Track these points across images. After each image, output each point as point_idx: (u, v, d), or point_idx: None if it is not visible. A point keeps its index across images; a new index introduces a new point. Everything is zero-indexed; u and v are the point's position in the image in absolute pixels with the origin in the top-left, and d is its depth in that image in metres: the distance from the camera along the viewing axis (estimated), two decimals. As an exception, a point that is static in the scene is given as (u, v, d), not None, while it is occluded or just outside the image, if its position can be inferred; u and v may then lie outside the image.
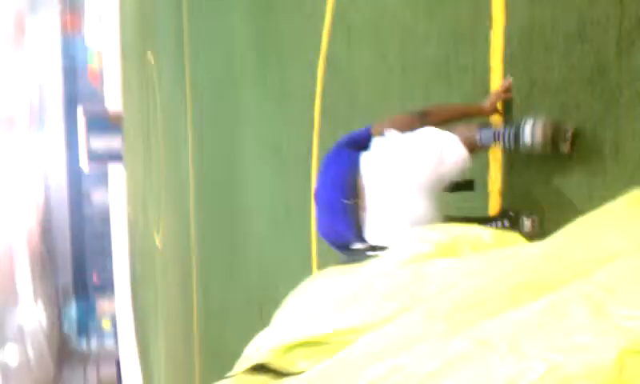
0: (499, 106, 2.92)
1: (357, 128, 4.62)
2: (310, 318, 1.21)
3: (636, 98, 2.21)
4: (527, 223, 2.72)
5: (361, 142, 2.74)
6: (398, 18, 3.96)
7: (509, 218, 2.81)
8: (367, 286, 1.21)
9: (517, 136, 2.46)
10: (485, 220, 2.88)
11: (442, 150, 2.54)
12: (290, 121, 6.20)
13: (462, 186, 2.90)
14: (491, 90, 3.00)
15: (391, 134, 2.65)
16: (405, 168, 2.52)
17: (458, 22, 3.28)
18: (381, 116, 4.22)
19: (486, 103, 2.90)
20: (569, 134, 2.44)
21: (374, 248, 2.16)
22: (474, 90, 3.14)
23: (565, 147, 2.44)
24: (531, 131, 2.40)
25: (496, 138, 2.55)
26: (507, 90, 2.87)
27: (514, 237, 1.35)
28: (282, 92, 6.47)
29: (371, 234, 2.60)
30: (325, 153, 5.26)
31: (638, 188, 1.18)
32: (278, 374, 1.17)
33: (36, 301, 28.93)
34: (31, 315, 27.94)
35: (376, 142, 2.65)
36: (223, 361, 9.75)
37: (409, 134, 2.62)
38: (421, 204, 2.52)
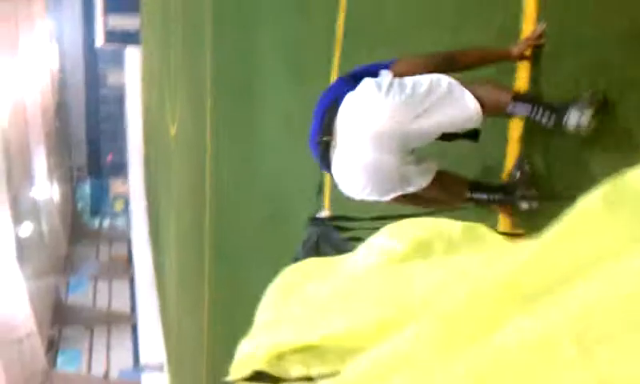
0: (528, 52, 2.86)
1: (380, 53, 4.56)
2: (296, 322, 1.22)
3: (669, 68, 2.16)
4: (524, 206, 2.75)
5: (374, 76, 2.72)
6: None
7: (508, 193, 2.84)
8: (348, 290, 1.21)
9: (558, 123, 2.41)
10: (487, 188, 2.91)
11: (437, 104, 2.53)
12: (313, 33, 6.09)
13: (465, 135, 2.89)
14: (523, 33, 2.93)
15: (383, 76, 2.63)
16: (372, 118, 2.53)
17: (494, -43, 3.17)
18: (406, 44, 4.16)
19: (515, 49, 2.83)
20: (602, 106, 2.38)
21: (337, 218, 2.19)
22: (505, 30, 3.07)
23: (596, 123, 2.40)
24: (577, 122, 2.34)
25: (532, 116, 2.50)
26: (539, 36, 2.79)
27: (483, 231, 1.33)
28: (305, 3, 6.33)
29: (336, 175, 2.68)
30: (344, 69, 5.21)
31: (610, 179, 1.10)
32: (275, 380, 1.20)
33: (50, 178, 29.35)
34: (45, 192, 28.41)
35: (363, 83, 2.63)
36: (231, 243, 9.98)
37: (407, 80, 2.60)
38: (382, 158, 2.56)
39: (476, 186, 2.92)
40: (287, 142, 6.88)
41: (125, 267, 33.82)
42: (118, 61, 37.16)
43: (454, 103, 2.56)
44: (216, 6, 10.91)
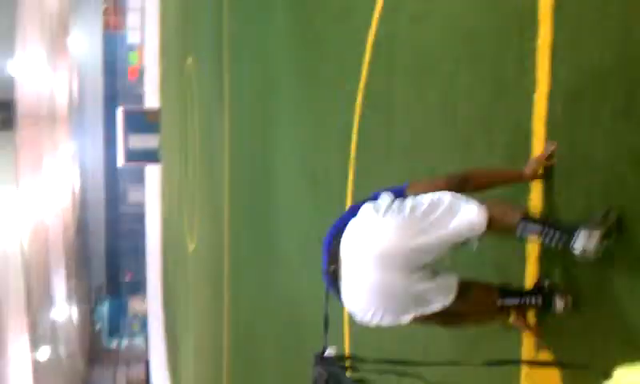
0: (540, 171, 2.85)
1: (392, 169, 4.59)
2: None
3: (685, 188, 2.13)
4: (560, 303, 2.64)
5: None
6: (440, 63, 3.90)
7: (543, 294, 2.74)
8: None
9: (566, 243, 2.38)
10: (518, 293, 2.82)
11: (439, 218, 2.53)
12: (327, 149, 6.18)
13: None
14: (533, 152, 2.93)
15: (382, 199, 2.64)
16: (372, 239, 2.54)
17: (502, 79, 3.22)
18: (418, 161, 4.19)
19: (527, 169, 2.82)
20: (614, 226, 2.34)
21: (345, 358, 2.14)
22: (515, 150, 3.07)
23: (609, 243, 2.35)
24: (584, 245, 2.31)
25: (541, 236, 2.47)
26: (550, 156, 2.79)
27: None
28: (319, 119, 6.45)
29: (346, 303, 2.65)
30: (360, 186, 5.24)
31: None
32: None
33: (69, 299, 29.33)
34: (64, 313, 28.33)
35: (363, 208, 2.64)
36: (251, 367, 9.77)
37: (408, 200, 2.61)
38: (386, 276, 2.51)
39: (506, 292, 2.83)
40: (304, 265, 6.85)
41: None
42: (138, 179, 37.85)
43: (456, 216, 2.56)
44: (232, 125, 11.17)
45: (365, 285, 2.58)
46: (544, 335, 2.86)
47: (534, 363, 2.84)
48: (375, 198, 2.75)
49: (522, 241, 2.96)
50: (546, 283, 2.77)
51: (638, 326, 2.35)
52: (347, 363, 2.05)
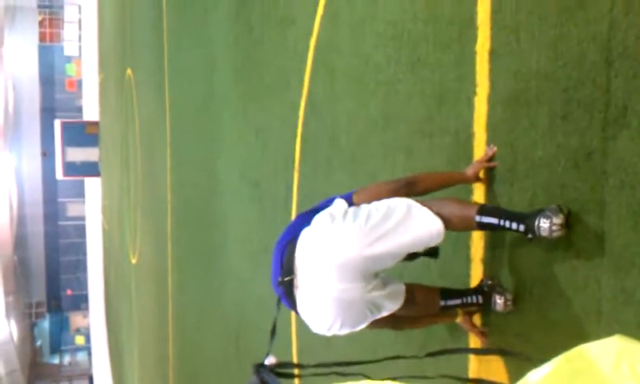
0: (482, 174, 2.89)
1: (337, 176, 4.60)
2: None
3: (621, 187, 2.19)
4: (500, 302, 2.70)
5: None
6: (381, 70, 3.93)
7: (482, 294, 2.79)
8: None
9: (528, 229, 2.40)
10: (459, 293, 2.86)
11: (396, 227, 2.52)
12: (270, 157, 6.15)
13: (426, 253, 2.87)
14: (474, 155, 2.97)
15: (336, 206, 2.63)
16: (329, 249, 2.51)
17: (442, 84, 3.25)
18: (361, 166, 4.20)
19: (469, 171, 2.87)
20: (567, 219, 2.39)
21: (284, 365, 2.11)
22: (457, 153, 3.12)
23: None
24: (549, 228, 2.33)
25: (501, 225, 2.49)
26: (490, 158, 2.84)
27: None
28: (262, 127, 6.42)
29: (303, 314, 2.63)
30: (305, 194, 5.24)
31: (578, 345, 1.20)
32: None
33: (8, 316, 28.44)
34: (3, 330, 27.44)
35: (317, 217, 2.62)
36: (196, 379, 9.63)
37: (363, 207, 2.60)
38: (345, 287, 2.52)
39: (448, 293, 2.87)
40: (251, 274, 6.80)
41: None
42: (78, 192, 37.08)
43: (413, 224, 2.56)
44: (173, 137, 11.03)
45: (324, 296, 2.54)
46: (489, 334, 2.90)
47: (474, 352, 2.89)
48: (326, 205, 2.73)
49: (467, 240, 3.01)
50: (488, 283, 2.82)
51: (577, 320, 2.40)
52: (283, 370, 2.01)
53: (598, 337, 1.25)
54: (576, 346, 1.23)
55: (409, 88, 3.60)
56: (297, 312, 2.67)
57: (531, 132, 2.60)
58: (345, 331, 2.64)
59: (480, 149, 2.94)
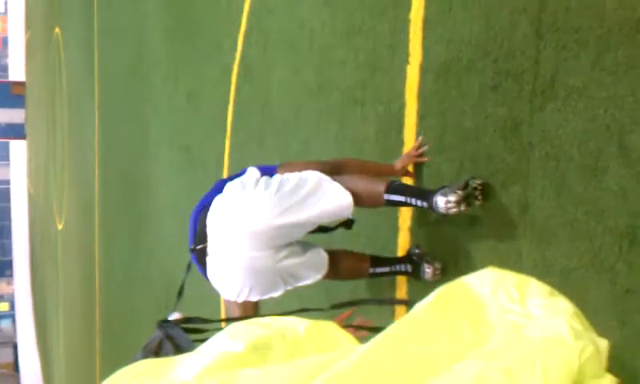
0: (410, 168, 2.90)
1: (269, 143, 4.55)
2: None
3: (545, 158, 2.22)
4: (428, 271, 2.72)
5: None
6: (315, 36, 3.88)
7: (411, 263, 2.81)
8: None
9: (430, 206, 2.42)
10: (388, 261, 2.87)
11: (305, 198, 2.52)
12: (201, 122, 6.04)
13: (339, 225, 2.87)
14: (404, 125, 2.97)
15: (248, 175, 2.60)
16: (238, 217, 2.50)
17: (376, 51, 3.23)
18: (293, 134, 4.16)
19: (398, 164, 2.86)
20: (479, 192, 2.42)
21: (190, 320, 2.09)
22: (389, 122, 3.11)
23: (476, 203, 2.43)
24: (445, 206, 2.35)
25: (407, 202, 2.51)
26: (419, 153, 2.84)
27: (331, 329, 1.35)
28: (193, 90, 6.29)
29: (212, 281, 2.62)
30: (236, 161, 5.16)
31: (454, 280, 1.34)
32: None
33: None
34: None
35: (229, 184, 2.59)
36: (123, 346, 9.50)
37: (275, 177, 2.59)
38: (253, 255, 2.51)
39: (377, 261, 2.89)
40: (178, 238, 6.70)
41: (11, 375, 31.61)
42: (2, 155, 35.81)
43: (323, 197, 2.56)
44: (102, 99, 10.72)
45: (231, 263, 2.54)
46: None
47: (380, 303, 2.92)
48: (241, 174, 2.70)
49: (395, 211, 3.01)
50: (416, 252, 2.84)
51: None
52: (187, 325, 1.98)
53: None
54: None
55: (343, 55, 3.56)
56: (207, 279, 2.65)
57: (461, 102, 2.61)
58: (255, 298, 2.63)
59: (411, 119, 2.94)
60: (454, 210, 2.34)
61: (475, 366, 1.04)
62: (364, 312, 2.51)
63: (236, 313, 2.60)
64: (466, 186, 2.39)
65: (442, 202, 2.35)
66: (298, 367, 1.10)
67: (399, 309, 3.00)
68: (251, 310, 2.64)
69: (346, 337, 1.33)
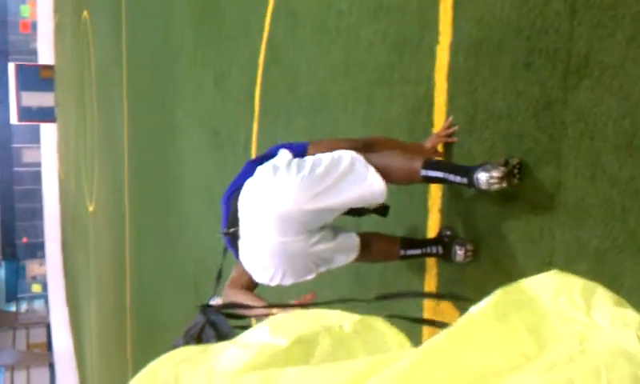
0: (440, 147, 2.87)
1: (297, 124, 4.54)
2: None
3: (579, 138, 2.18)
4: (460, 253, 2.69)
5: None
6: (343, 16, 3.85)
7: (442, 245, 2.79)
8: None
9: (470, 182, 2.39)
10: (419, 243, 2.85)
11: (337, 181, 2.49)
12: (230, 104, 6.04)
13: (374, 210, 2.85)
14: (434, 106, 2.94)
15: (280, 157, 2.57)
16: (271, 201, 2.47)
17: (404, 31, 3.20)
18: (321, 115, 4.15)
19: (428, 144, 2.83)
20: (517, 170, 2.39)
21: (232, 306, 2.09)
22: (417, 102, 3.08)
23: (515, 181, 2.39)
24: (487, 181, 2.32)
25: (445, 178, 2.47)
26: (448, 133, 2.80)
27: (381, 326, 1.28)
28: (221, 73, 6.29)
29: (246, 264, 2.61)
30: (264, 142, 5.16)
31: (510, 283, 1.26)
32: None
33: (-39, 262, 27.94)
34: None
35: (261, 167, 2.57)
36: (154, 327, 9.61)
37: (307, 159, 2.56)
38: (286, 240, 2.50)
39: (408, 243, 2.87)
40: (208, 221, 6.74)
41: (44, 355, 32.19)
42: (33, 138, 36.24)
43: (356, 180, 2.52)
44: (130, 83, 10.78)
45: (263, 247, 2.52)
46: (446, 284, 2.91)
47: (427, 296, 2.90)
48: (273, 153, 2.67)
49: (425, 192, 2.99)
50: (447, 234, 2.82)
51: (531, 272, 2.41)
52: (230, 311, 1.99)
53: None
54: None
55: (371, 35, 3.53)
56: (239, 262, 2.65)
57: (492, 81, 2.57)
58: (288, 282, 2.63)
59: (441, 99, 2.91)
60: (497, 185, 2.31)
61: (535, 379, 0.99)
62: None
63: (234, 298, 2.57)
64: (506, 164, 2.35)
65: (484, 177, 2.32)
66: (346, 368, 1.05)
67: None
68: (251, 296, 2.61)
69: (394, 333, 1.27)
